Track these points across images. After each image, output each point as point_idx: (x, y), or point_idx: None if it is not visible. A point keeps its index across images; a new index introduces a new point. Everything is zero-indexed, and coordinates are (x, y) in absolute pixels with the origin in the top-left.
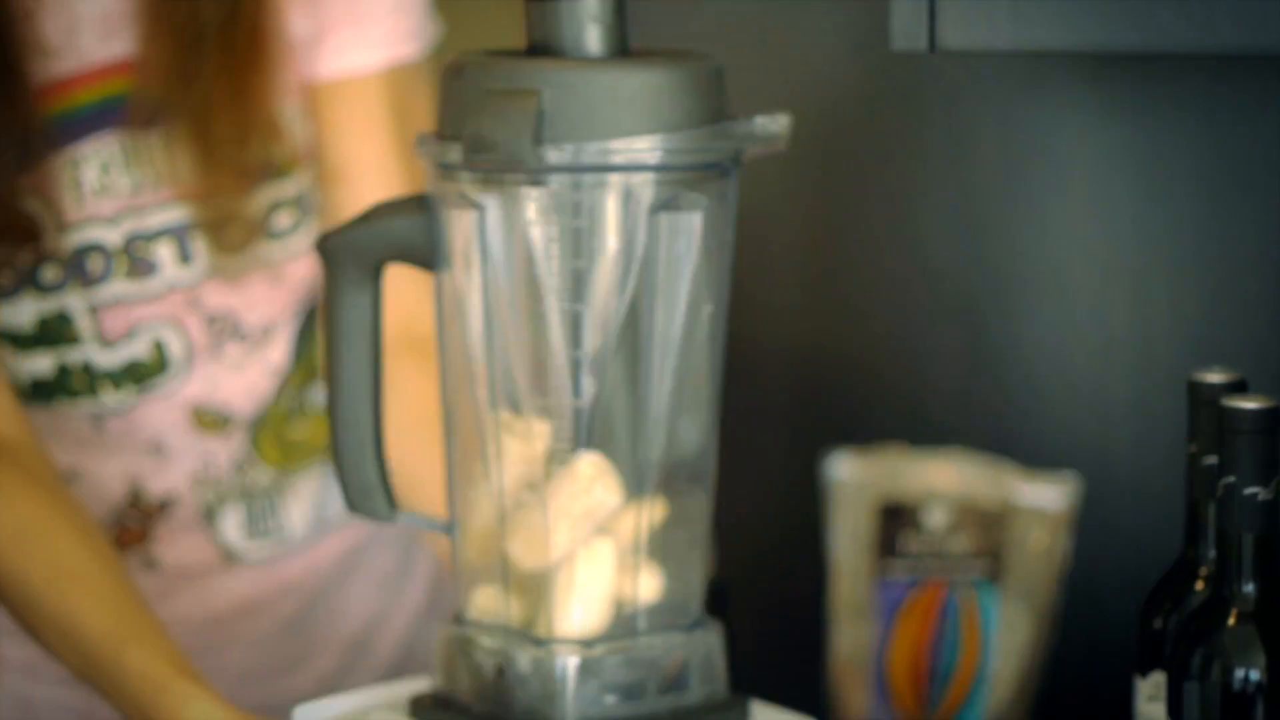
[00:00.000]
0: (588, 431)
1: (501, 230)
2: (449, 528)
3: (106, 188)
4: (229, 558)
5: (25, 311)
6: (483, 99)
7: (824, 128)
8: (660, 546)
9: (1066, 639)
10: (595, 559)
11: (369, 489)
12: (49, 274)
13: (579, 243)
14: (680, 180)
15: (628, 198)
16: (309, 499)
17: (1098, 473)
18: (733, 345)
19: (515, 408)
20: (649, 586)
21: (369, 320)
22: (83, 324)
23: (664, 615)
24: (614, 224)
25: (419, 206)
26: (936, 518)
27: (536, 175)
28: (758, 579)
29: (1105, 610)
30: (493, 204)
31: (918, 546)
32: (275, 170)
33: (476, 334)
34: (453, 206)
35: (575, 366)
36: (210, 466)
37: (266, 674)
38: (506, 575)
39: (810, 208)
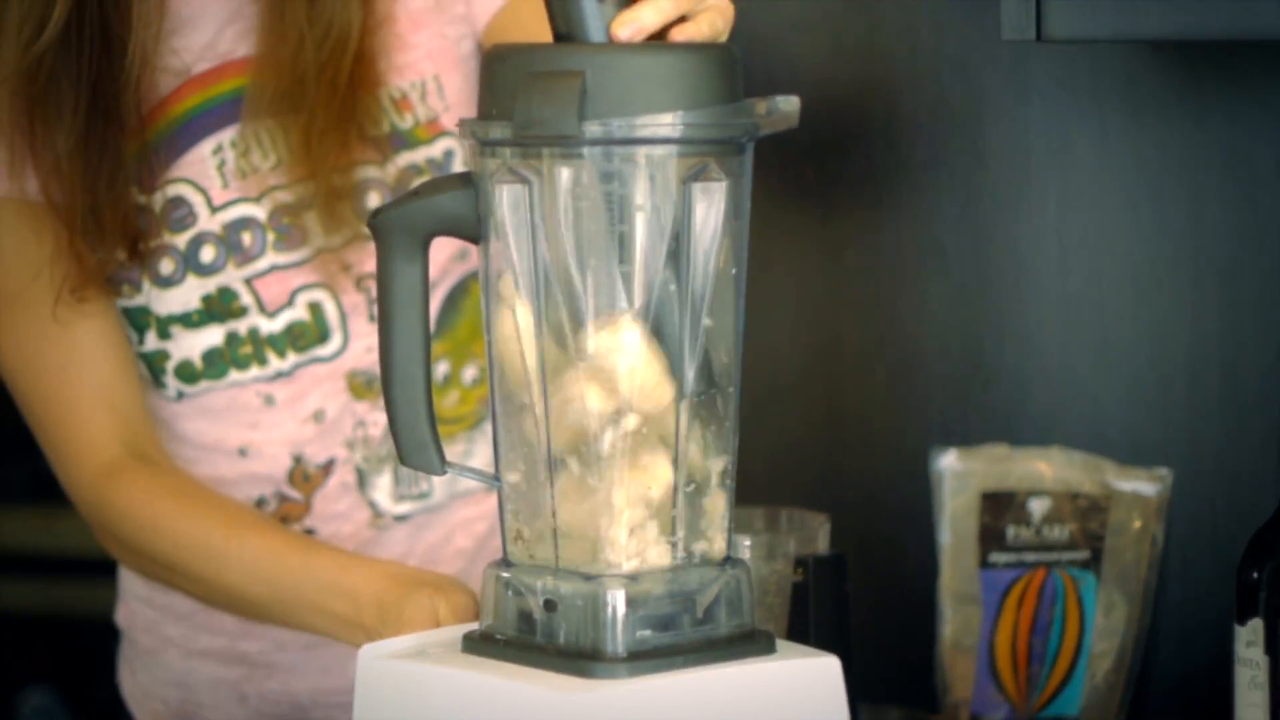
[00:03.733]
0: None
1: (546, 200)
2: (495, 480)
3: (249, 169)
4: (378, 521)
5: (191, 293)
6: (530, 80)
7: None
8: (696, 489)
9: (1162, 620)
10: (638, 498)
11: (422, 444)
12: (206, 255)
13: (617, 210)
14: (706, 153)
15: (659, 168)
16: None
17: (1190, 464)
18: (845, 343)
19: (560, 365)
20: (687, 524)
21: (419, 288)
22: (244, 297)
23: (699, 553)
24: (647, 192)
25: (464, 182)
26: (1038, 507)
27: (577, 149)
28: (872, 562)
29: (1198, 592)
30: (537, 177)
31: (1021, 535)
32: (409, 140)
33: (525, 294)
34: (498, 181)
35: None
36: (364, 432)
37: None
38: (553, 518)
39: (925, 204)
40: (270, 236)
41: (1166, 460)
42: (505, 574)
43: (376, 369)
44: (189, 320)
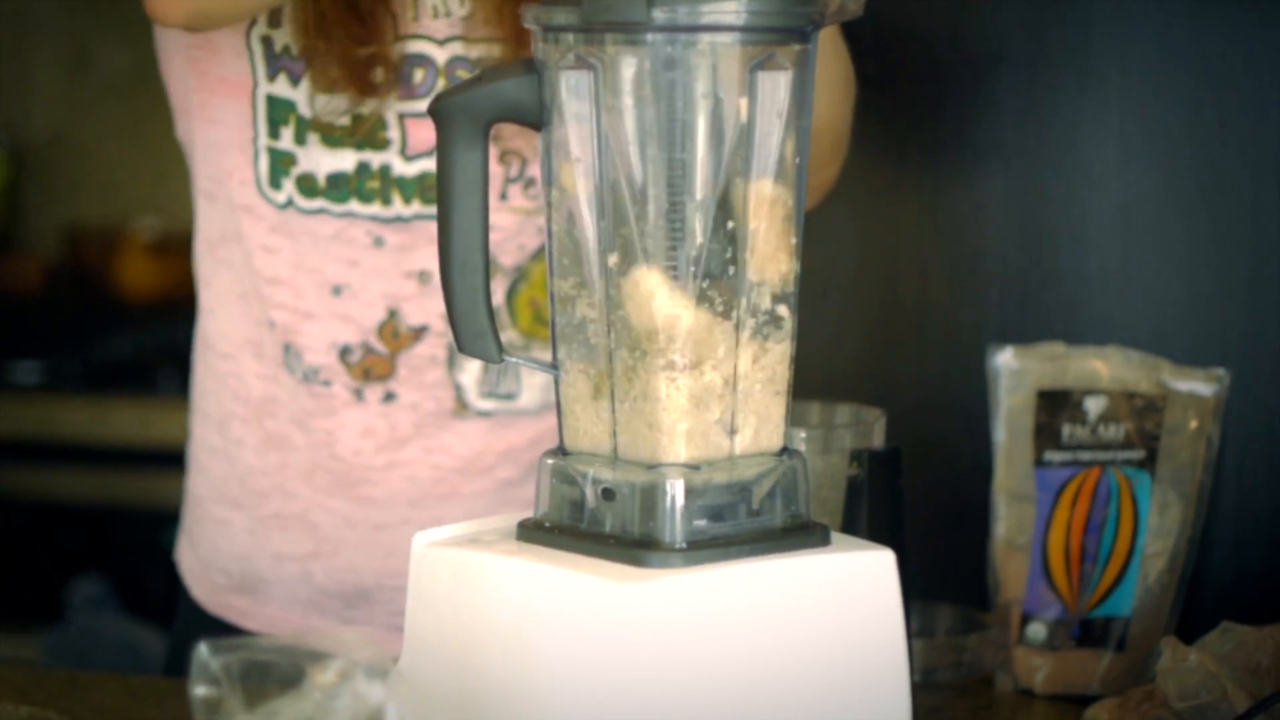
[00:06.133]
0: (693, 272)
1: (612, 86)
2: (554, 367)
3: (441, 10)
4: (462, 407)
5: (344, 107)
6: None
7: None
8: (753, 381)
9: (1216, 521)
10: (698, 389)
11: (480, 332)
12: (378, 74)
13: (683, 96)
14: (770, 41)
15: (724, 56)
16: (544, 375)
17: (1247, 365)
18: (902, 239)
19: (623, 253)
20: (744, 415)
21: (480, 175)
22: (392, 131)
23: (755, 443)
24: (711, 80)
25: (526, 68)
26: (1093, 405)
27: (643, 35)
28: (927, 459)
29: (1254, 494)
30: (601, 63)
31: (1076, 433)
32: None
33: (586, 180)
34: (563, 67)
35: (682, 210)
36: None
37: None
38: (612, 407)
39: (986, 101)
40: (440, 83)
41: (1224, 361)
42: (561, 462)
43: (494, 249)
44: (330, 134)
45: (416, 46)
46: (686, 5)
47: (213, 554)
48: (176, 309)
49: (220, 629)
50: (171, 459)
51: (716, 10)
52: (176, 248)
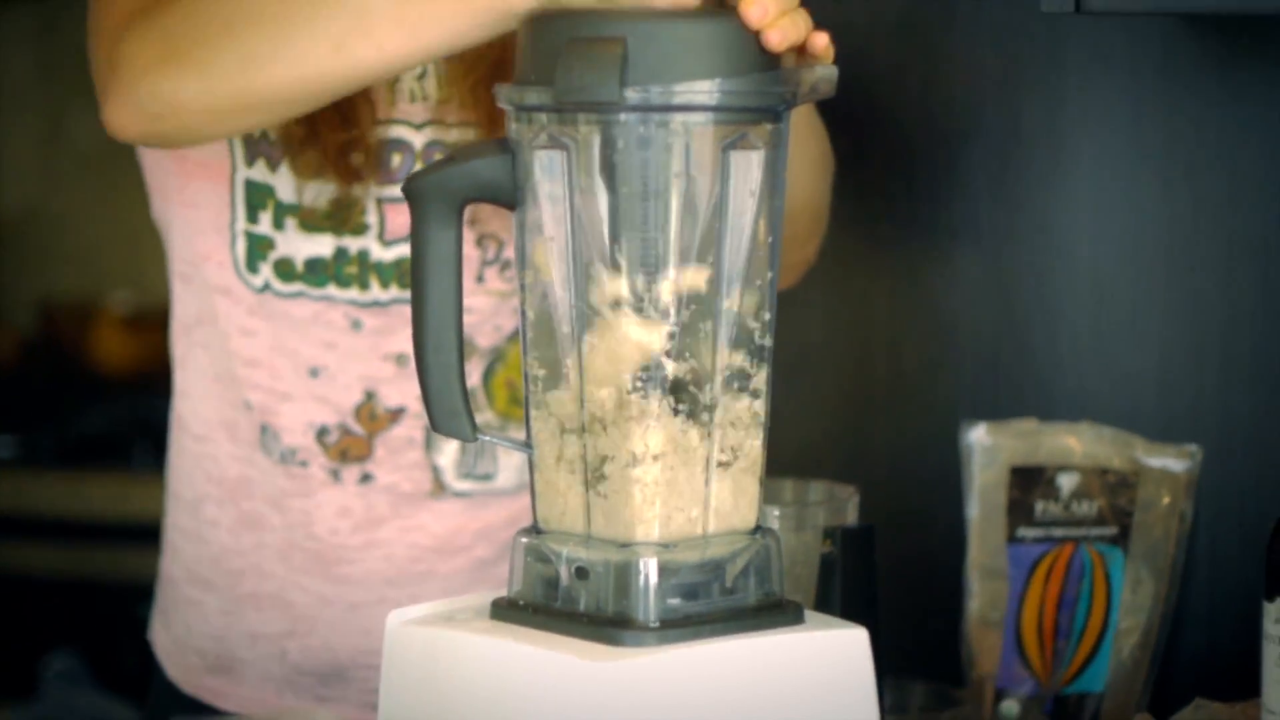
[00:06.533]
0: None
1: (585, 165)
2: (527, 446)
3: (418, 94)
4: (439, 488)
5: (325, 192)
6: (571, 46)
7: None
8: (728, 459)
9: (1189, 597)
10: (674, 467)
11: (454, 411)
12: (356, 159)
13: (655, 176)
14: (744, 121)
15: (697, 135)
16: (521, 456)
17: (1219, 441)
18: (876, 315)
19: (596, 330)
20: (718, 493)
21: (454, 254)
22: (370, 216)
23: (729, 522)
24: (684, 159)
25: (500, 148)
26: (1066, 482)
27: (616, 115)
28: (900, 535)
29: (1226, 570)
30: (574, 143)
31: (1049, 510)
32: None
33: (560, 260)
34: (536, 146)
35: (654, 288)
36: None
37: None
38: (585, 487)
39: (958, 176)
40: (417, 167)
41: (1196, 437)
42: (534, 541)
43: (470, 331)
44: (308, 219)
45: (394, 131)
46: (659, 85)
47: (186, 634)
48: (152, 383)
49: (195, 708)
50: (147, 534)
51: (689, 90)
52: (152, 322)
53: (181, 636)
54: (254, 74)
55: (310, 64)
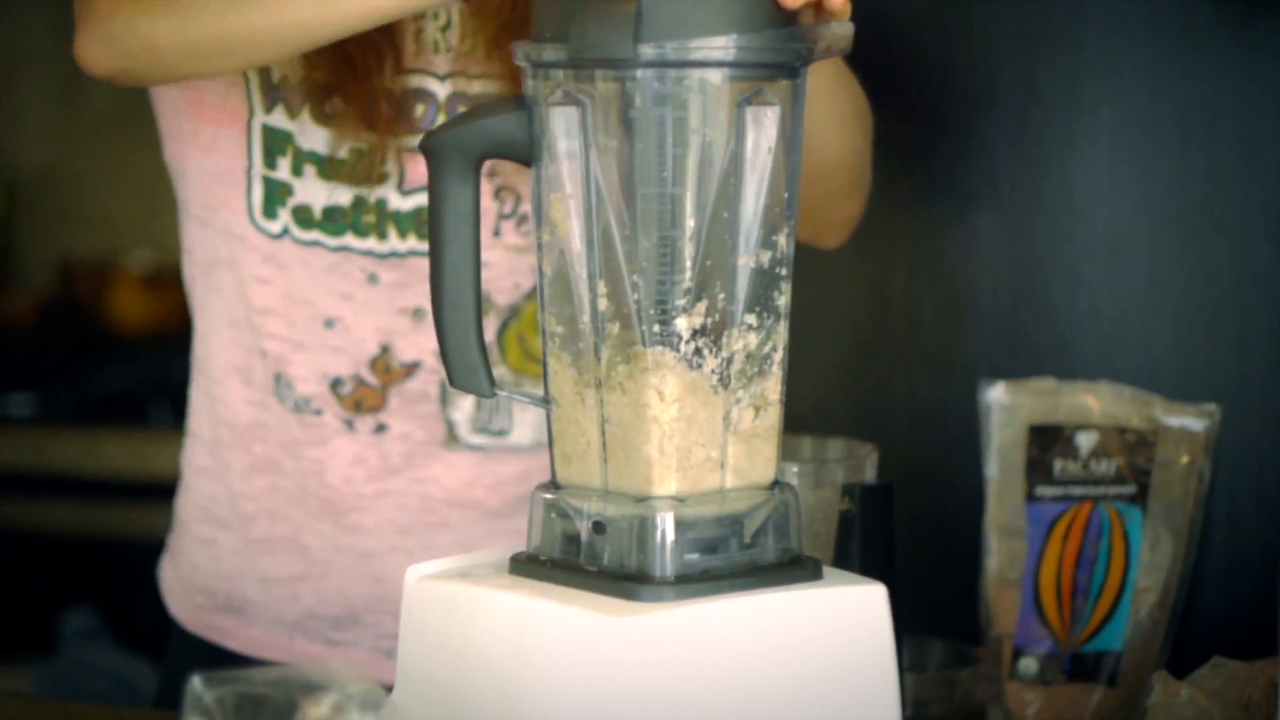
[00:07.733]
0: (682, 306)
1: (600, 122)
2: (546, 401)
3: (443, 45)
4: (453, 440)
5: (346, 140)
6: (586, 3)
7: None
8: (746, 414)
9: (1207, 556)
10: (691, 421)
11: (472, 367)
12: (380, 109)
13: (671, 132)
14: (759, 77)
15: (712, 92)
16: (535, 412)
17: (1238, 400)
18: (895, 274)
19: (612, 286)
20: (736, 449)
21: (471, 211)
22: (390, 165)
23: (747, 477)
24: (700, 115)
25: (517, 104)
26: (1085, 441)
27: (631, 72)
28: (918, 494)
29: (1244, 529)
30: (590, 99)
31: (1067, 469)
32: None
33: (577, 217)
34: (552, 103)
35: (671, 245)
36: None
37: None
38: (603, 442)
39: (978, 138)
40: (440, 118)
41: (1214, 396)
42: (552, 496)
43: (487, 286)
44: (326, 165)
45: (418, 81)
46: (674, 41)
47: (193, 572)
48: (169, 341)
49: (207, 652)
50: (164, 491)
51: (704, 46)
52: (169, 280)
53: (188, 575)
54: (233, 18)
55: (291, 10)
